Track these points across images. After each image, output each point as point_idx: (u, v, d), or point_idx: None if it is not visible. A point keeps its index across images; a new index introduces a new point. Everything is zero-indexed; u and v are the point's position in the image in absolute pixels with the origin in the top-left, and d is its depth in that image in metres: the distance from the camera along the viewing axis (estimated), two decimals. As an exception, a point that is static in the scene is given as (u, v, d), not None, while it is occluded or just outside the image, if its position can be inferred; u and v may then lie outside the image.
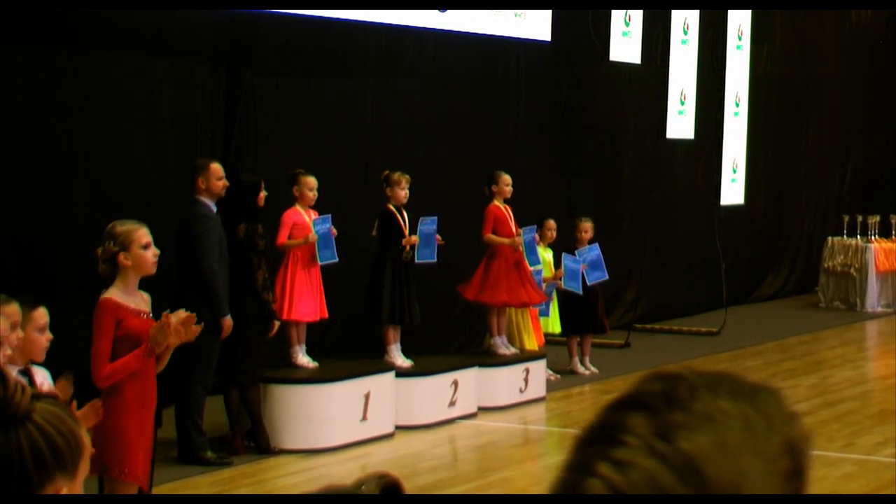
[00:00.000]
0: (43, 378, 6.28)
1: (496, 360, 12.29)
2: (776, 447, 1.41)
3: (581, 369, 13.75)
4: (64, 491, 2.23)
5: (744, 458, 1.38)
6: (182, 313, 6.66)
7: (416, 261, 11.51)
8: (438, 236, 11.59)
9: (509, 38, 14.27)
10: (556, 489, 1.39)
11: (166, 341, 6.60)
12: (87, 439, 2.30)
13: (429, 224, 11.57)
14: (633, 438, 1.37)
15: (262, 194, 10.23)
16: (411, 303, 11.42)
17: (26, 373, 6.16)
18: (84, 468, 2.29)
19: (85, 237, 9.35)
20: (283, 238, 10.63)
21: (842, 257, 19.40)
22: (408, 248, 11.41)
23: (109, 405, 6.67)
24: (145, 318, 6.82)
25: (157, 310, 6.91)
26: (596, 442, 1.39)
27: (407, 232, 11.41)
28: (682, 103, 17.17)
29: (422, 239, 11.48)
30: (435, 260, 11.65)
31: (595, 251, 13.39)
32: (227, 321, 9.71)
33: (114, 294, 6.73)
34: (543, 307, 12.95)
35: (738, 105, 18.51)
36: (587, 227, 13.67)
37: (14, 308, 5.98)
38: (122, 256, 6.71)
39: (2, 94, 10.02)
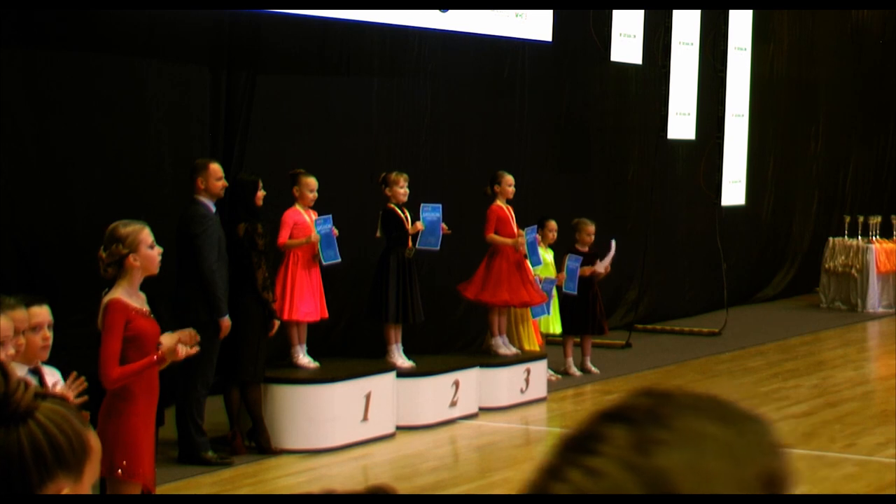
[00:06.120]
0: (55, 379, 6.28)
1: (497, 361, 12.29)
2: (752, 476, 1.40)
3: (574, 370, 13.72)
4: (66, 491, 2.23)
5: (717, 481, 1.38)
6: (188, 332, 6.78)
7: (419, 247, 11.49)
8: (444, 225, 11.57)
9: (511, 38, 14.28)
10: (526, 491, 1.41)
11: (184, 354, 6.67)
12: (95, 442, 2.29)
13: (431, 211, 11.55)
14: (610, 449, 1.38)
15: (261, 193, 10.22)
16: (415, 301, 11.42)
17: (36, 372, 6.15)
18: (92, 470, 2.28)
19: (84, 237, 9.37)
20: (283, 238, 10.63)
21: (843, 258, 19.40)
22: (410, 243, 11.41)
23: (119, 408, 6.68)
24: (149, 317, 6.83)
25: (153, 310, 6.92)
26: (573, 449, 1.40)
27: (409, 228, 11.41)
28: (684, 104, 17.18)
29: (426, 226, 11.47)
30: (438, 248, 11.62)
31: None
32: (226, 321, 9.71)
33: (120, 294, 6.73)
34: (540, 307, 12.92)
35: (739, 106, 18.51)
36: (592, 230, 13.68)
37: (21, 314, 5.96)
38: (131, 258, 6.70)
39: (1, 95, 10.02)
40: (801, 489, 9.65)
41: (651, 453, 1.37)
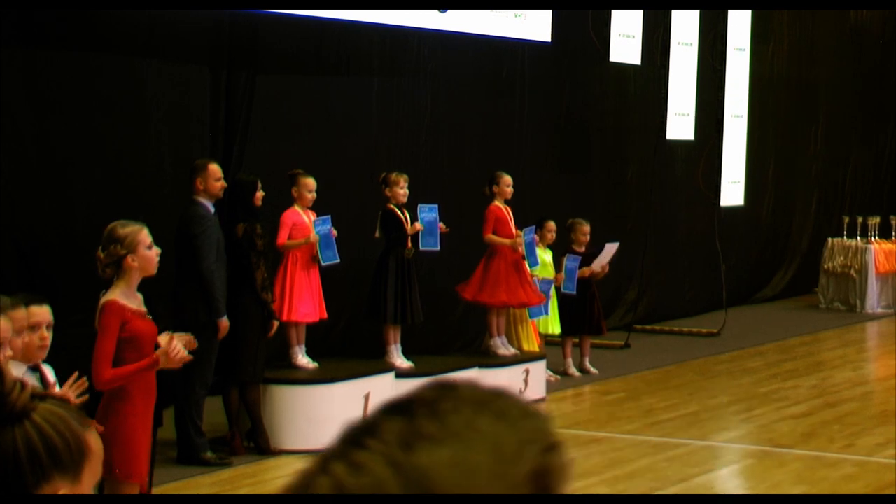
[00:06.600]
0: (52, 377, 6.29)
1: (496, 361, 12.29)
2: (522, 474, 1.39)
3: (573, 371, 13.72)
4: (64, 492, 2.23)
5: (480, 479, 1.36)
6: (185, 337, 6.78)
7: (421, 248, 11.51)
8: (442, 224, 11.59)
9: (510, 38, 14.28)
10: (293, 482, 1.40)
11: (179, 359, 6.70)
12: (95, 443, 2.29)
13: (428, 211, 11.57)
14: (377, 443, 1.37)
15: (259, 194, 10.22)
16: (414, 302, 11.43)
17: (37, 370, 6.15)
18: (92, 472, 2.27)
19: (84, 237, 9.36)
20: (282, 238, 10.63)
21: (842, 258, 19.40)
22: (409, 244, 11.42)
23: (116, 408, 6.68)
24: (146, 318, 6.83)
25: (151, 310, 6.92)
26: (348, 441, 1.39)
27: (409, 228, 11.43)
28: (683, 104, 17.18)
29: (425, 227, 11.49)
30: (438, 248, 11.65)
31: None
32: (224, 322, 9.71)
33: (117, 296, 6.72)
34: (538, 308, 12.92)
35: (738, 106, 18.52)
36: (587, 230, 13.68)
37: (21, 313, 5.96)
38: (129, 259, 6.70)
39: (1, 95, 10.02)
40: (800, 489, 9.63)
41: (415, 449, 1.36)
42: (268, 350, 10.45)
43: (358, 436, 1.39)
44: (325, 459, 1.39)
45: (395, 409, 1.41)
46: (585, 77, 16.44)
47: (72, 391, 6.05)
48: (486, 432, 1.39)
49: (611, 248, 13.73)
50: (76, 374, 6.18)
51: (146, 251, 6.75)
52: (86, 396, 6.13)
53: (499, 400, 1.44)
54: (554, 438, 1.44)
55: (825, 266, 19.58)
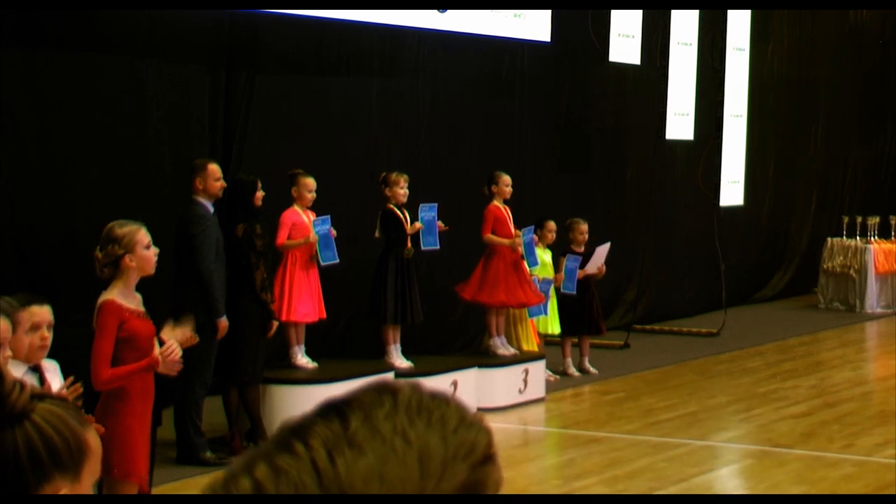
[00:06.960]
0: (53, 368, 6.28)
1: (495, 361, 12.30)
2: (449, 487, 1.35)
3: (573, 371, 13.72)
4: (64, 491, 2.23)
5: (400, 491, 1.32)
6: (188, 333, 6.78)
7: (423, 248, 11.54)
8: (440, 222, 11.62)
9: (510, 38, 14.29)
10: (217, 479, 1.36)
11: (174, 366, 6.70)
12: (94, 442, 2.30)
13: (428, 210, 11.61)
14: (303, 448, 1.33)
15: (259, 194, 10.23)
16: (414, 302, 11.44)
17: (36, 370, 6.15)
18: (91, 471, 2.28)
19: (83, 237, 9.36)
20: (282, 238, 10.64)
21: (841, 258, 19.40)
22: (409, 244, 11.44)
23: (115, 408, 6.69)
24: (144, 318, 6.83)
25: (150, 310, 6.92)
26: (277, 442, 1.36)
27: (408, 228, 11.44)
28: (682, 104, 17.19)
29: (425, 226, 11.52)
30: (438, 247, 11.68)
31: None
32: (223, 322, 9.72)
33: (114, 295, 6.72)
34: (538, 307, 12.92)
35: (737, 106, 18.53)
36: (585, 229, 13.68)
37: (24, 314, 5.97)
38: (127, 259, 6.69)
39: (1, 95, 10.03)
40: (799, 489, 9.63)
41: (340, 457, 1.32)
42: (267, 350, 10.45)
43: (287, 438, 1.35)
44: (252, 459, 1.36)
45: (331, 410, 1.37)
46: (585, 77, 16.45)
47: (68, 396, 6.05)
48: (416, 442, 1.34)
49: (602, 250, 13.68)
50: (71, 378, 6.18)
51: (144, 251, 6.75)
52: (79, 402, 6.12)
53: (438, 407, 1.38)
54: (489, 451, 1.39)
55: (824, 266, 19.59)
